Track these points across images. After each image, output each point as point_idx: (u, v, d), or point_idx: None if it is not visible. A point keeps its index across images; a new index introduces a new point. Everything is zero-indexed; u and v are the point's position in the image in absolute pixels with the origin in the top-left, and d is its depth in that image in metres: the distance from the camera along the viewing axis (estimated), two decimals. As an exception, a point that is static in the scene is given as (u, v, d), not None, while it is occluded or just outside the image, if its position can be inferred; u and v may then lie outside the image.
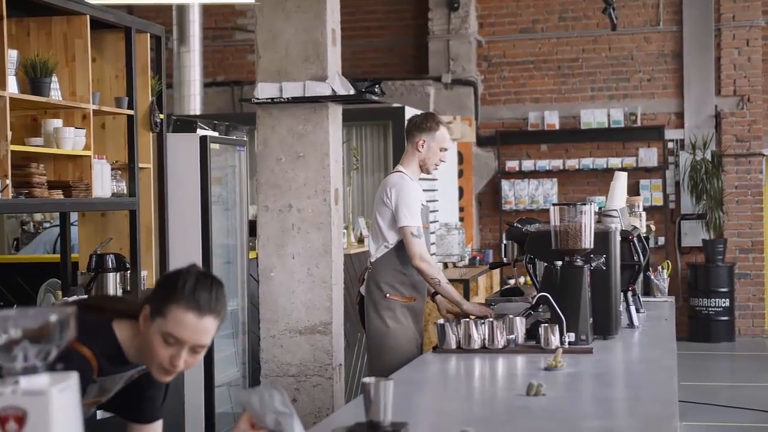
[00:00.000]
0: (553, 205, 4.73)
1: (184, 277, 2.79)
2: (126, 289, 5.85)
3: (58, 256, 6.22)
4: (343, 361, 6.09)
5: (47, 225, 8.93)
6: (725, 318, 12.86)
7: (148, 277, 6.14)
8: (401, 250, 5.42)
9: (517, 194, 13.53)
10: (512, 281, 10.95)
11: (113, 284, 5.64)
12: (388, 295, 5.48)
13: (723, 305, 12.82)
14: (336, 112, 6.02)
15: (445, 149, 5.58)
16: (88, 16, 5.51)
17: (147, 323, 2.80)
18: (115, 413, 3.15)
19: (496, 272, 11.44)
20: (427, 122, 5.57)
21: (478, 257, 11.30)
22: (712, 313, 12.83)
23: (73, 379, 1.90)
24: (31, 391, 1.84)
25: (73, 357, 2.74)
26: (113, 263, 5.67)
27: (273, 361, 5.93)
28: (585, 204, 4.67)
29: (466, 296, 9.12)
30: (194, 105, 11.38)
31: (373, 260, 5.57)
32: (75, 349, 2.76)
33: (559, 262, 4.64)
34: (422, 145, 5.54)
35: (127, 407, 3.06)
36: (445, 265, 10.63)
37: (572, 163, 13.40)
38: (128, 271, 5.84)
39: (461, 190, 12.88)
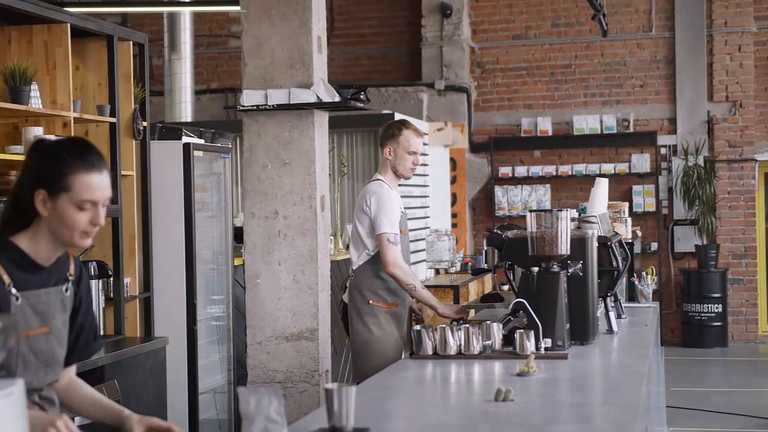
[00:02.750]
0: (530, 211, 4.74)
1: (63, 149, 2.85)
2: (109, 297, 5.87)
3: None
4: (330, 367, 6.10)
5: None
6: (718, 323, 12.87)
7: (131, 284, 6.16)
8: (382, 257, 5.46)
9: (511, 200, 13.53)
10: (506, 287, 10.93)
11: (96, 291, 5.65)
12: (371, 301, 5.52)
13: (716, 311, 12.83)
14: (322, 119, 6.02)
15: (414, 152, 5.59)
16: (68, 25, 5.52)
17: (49, 205, 2.84)
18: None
19: (488, 278, 11.44)
20: (389, 129, 5.63)
21: (470, 263, 11.29)
22: (705, 319, 12.83)
23: (17, 386, 1.91)
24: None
25: None
26: (95, 270, 5.69)
27: (259, 368, 5.94)
28: (561, 210, 4.68)
29: (456, 302, 9.14)
30: (185, 112, 11.39)
31: (354, 267, 5.61)
32: None
33: (536, 268, 4.64)
34: (390, 152, 5.58)
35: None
36: (437, 271, 10.64)
37: (565, 169, 13.41)
38: (111, 278, 5.86)
39: (454, 197, 12.90)
